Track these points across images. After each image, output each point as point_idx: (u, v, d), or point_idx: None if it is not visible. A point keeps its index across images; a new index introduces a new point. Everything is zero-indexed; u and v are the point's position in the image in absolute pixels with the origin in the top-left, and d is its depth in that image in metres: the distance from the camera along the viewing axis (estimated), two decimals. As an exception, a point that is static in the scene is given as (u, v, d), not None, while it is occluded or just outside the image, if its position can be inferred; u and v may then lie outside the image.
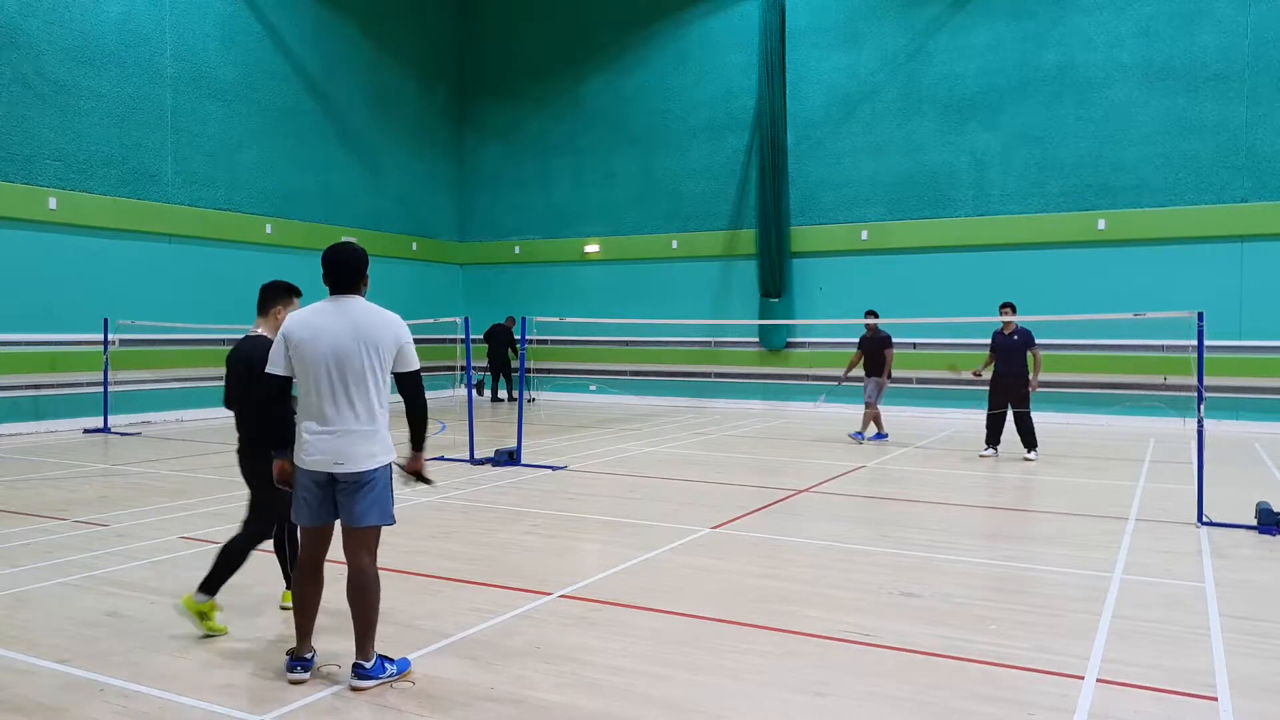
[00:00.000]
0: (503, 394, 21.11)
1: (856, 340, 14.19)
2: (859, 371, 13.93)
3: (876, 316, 13.71)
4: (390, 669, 4.24)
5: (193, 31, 16.70)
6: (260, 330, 5.04)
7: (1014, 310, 11.79)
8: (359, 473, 4.13)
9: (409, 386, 4.28)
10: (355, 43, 20.18)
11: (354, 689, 4.16)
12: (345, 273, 4.24)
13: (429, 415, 4.39)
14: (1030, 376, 11.76)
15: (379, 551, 4.33)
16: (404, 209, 21.55)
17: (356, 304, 4.23)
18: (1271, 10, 15.34)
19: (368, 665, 4.19)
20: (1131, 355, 16.24)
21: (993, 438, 11.98)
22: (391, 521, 4.27)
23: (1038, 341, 11.97)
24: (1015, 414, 11.80)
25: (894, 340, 13.83)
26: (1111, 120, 16.44)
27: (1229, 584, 6.01)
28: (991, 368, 12.15)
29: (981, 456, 11.92)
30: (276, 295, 5.11)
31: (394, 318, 4.28)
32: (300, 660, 4.29)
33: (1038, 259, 16.97)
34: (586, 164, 21.48)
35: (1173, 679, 4.31)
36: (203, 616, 4.84)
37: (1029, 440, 11.76)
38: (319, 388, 4.13)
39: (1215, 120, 15.71)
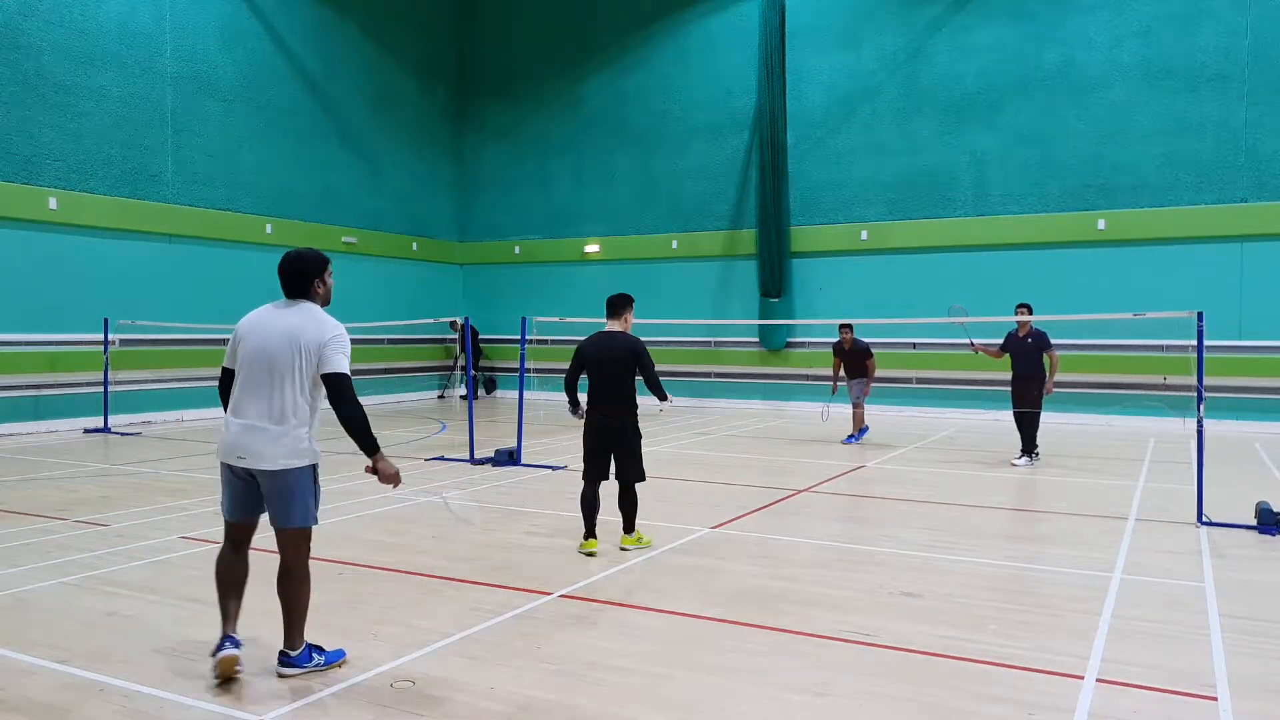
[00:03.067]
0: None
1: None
2: (842, 373, 13.87)
3: (851, 330, 13.60)
4: (318, 659, 4.34)
5: (193, 31, 16.70)
6: (614, 327, 6.86)
7: (1030, 311, 11.31)
8: (265, 471, 4.12)
9: (330, 390, 4.15)
10: (355, 43, 20.18)
11: (279, 675, 4.26)
12: (289, 280, 4.30)
13: (366, 420, 4.15)
14: (1046, 378, 11.43)
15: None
16: (404, 209, 21.55)
17: (300, 307, 4.26)
18: (1271, 10, 15.34)
19: (292, 654, 4.29)
20: (1131, 355, 16.24)
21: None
22: (309, 524, 4.24)
23: (1054, 342, 11.62)
24: (1024, 413, 11.50)
25: (873, 349, 13.77)
26: (1111, 120, 16.44)
27: (1229, 584, 6.01)
28: (996, 357, 11.95)
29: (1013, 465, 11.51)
30: (628, 304, 7.00)
31: (330, 322, 4.22)
32: (229, 637, 4.23)
33: (1038, 259, 16.97)
34: (586, 164, 21.48)
35: (1173, 679, 4.31)
36: (639, 540, 6.86)
37: (1028, 443, 11.53)
38: (244, 382, 4.20)
39: (1215, 120, 15.71)
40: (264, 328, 4.20)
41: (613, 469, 6.86)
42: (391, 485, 4.26)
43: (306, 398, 4.16)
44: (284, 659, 4.29)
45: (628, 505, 6.81)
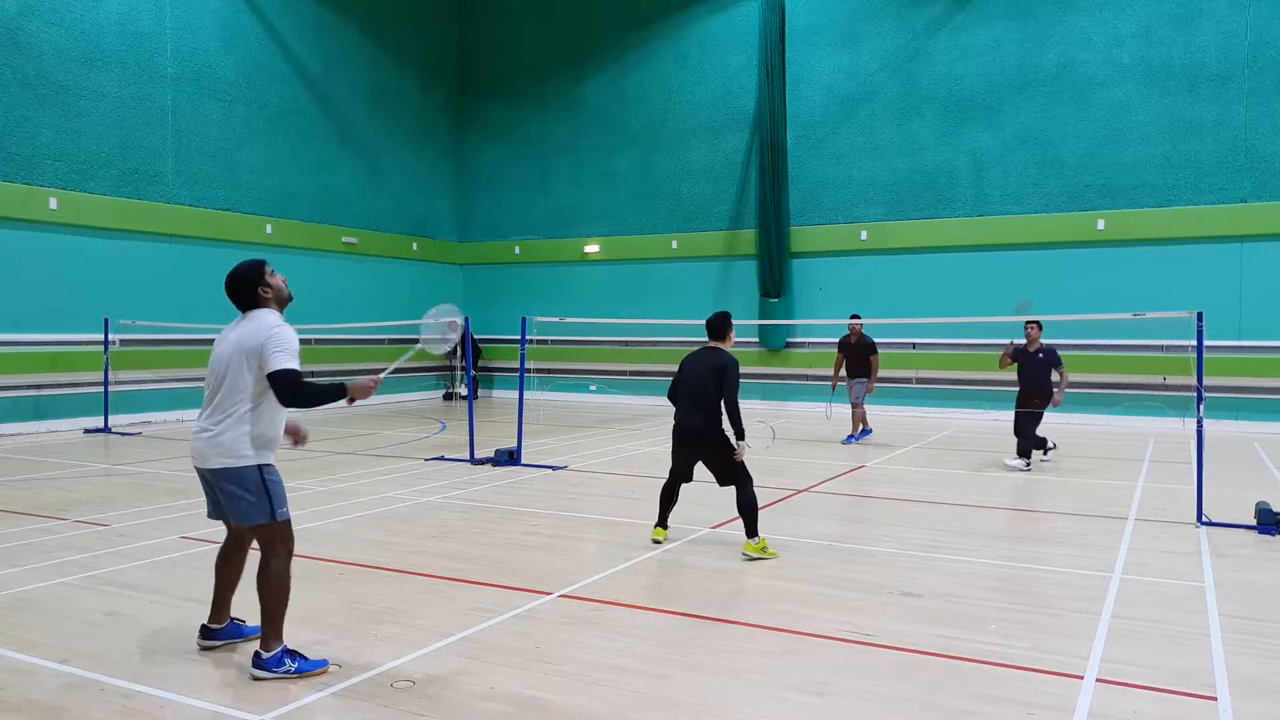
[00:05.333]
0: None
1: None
2: (843, 371, 13.87)
3: (860, 319, 13.60)
4: (290, 665, 4.29)
5: (193, 31, 16.71)
6: (716, 344, 6.93)
7: (1040, 328, 11.37)
8: (210, 470, 4.29)
9: (275, 389, 4.20)
10: (355, 43, 20.18)
11: (253, 677, 4.27)
12: (233, 297, 4.47)
13: (317, 389, 4.29)
14: (1055, 391, 11.30)
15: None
16: (404, 209, 21.55)
17: (250, 316, 4.39)
18: (1271, 10, 15.34)
19: (265, 655, 4.30)
20: (1131, 355, 16.24)
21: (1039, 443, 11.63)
22: (269, 520, 4.32)
23: (1055, 343, 11.70)
24: (1024, 414, 11.41)
25: (878, 346, 13.75)
26: (1111, 120, 16.44)
27: (1229, 584, 6.01)
28: (1004, 363, 11.88)
29: (1042, 459, 11.65)
30: (726, 322, 6.98)
31: (270, 323, 4.29)
32: (206, 630, 4.66)
33: (1038, 259, 16.97)
34: (586, 164, 21.48)
35: (1173, 679, 4.32)
36: (764, 550, 6.56)
37: (1028, 442, 11.35)
38: (206, 389, 4.43)
39: (1215, 120, 15.71)
40: (220, 341, 4.41)
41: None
42: (373, 388, 4.47)
43: (243, 400, 4.25)
44: (255, 659, 4.31)
45: (742, 509, 6.66)
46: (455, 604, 5.48)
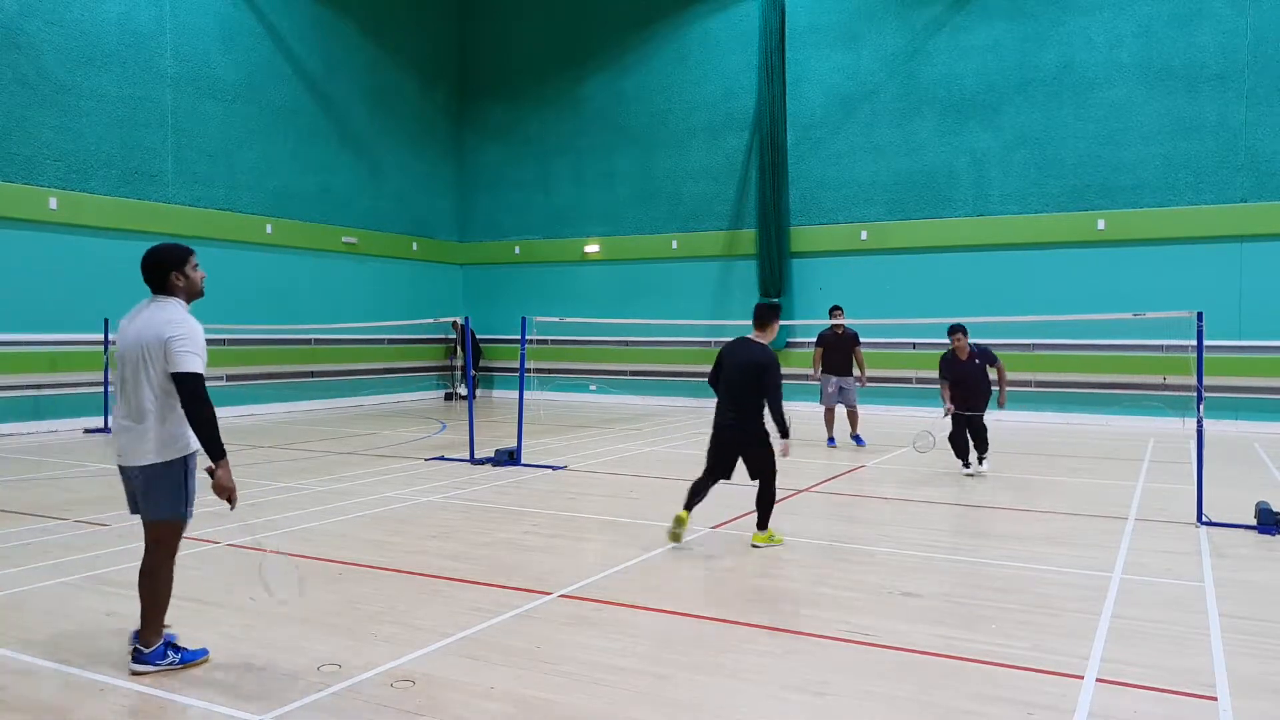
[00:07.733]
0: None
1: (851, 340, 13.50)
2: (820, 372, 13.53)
3: (843, 314, 13.33)
4: (173, 657, 4.33)
5: (193, 31, 16.71)
6: (755, 336, 6.88)
7: (966, 334, 10.60)
8: (132, 467, 4.25)
9: (179, 391, 4.16)
10: (355, 43, 20.18)
11: (132, 672, 4.29)
12: (146, 275, 4.32)
13: (214, 422, 4.20)
14: (999, 391, 10.85)
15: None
16: (404, 209, 21.55)
17: (156, 305, 4.28)
18: (1271, 10, 15.34)
19: (145, 650, 4.31)
20: (1131, 355, 16.24)
21: (964, 453, 10.86)
22: (177, 516, 4.30)
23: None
24: (971, 420, 10.71)
25: (862, 340, 13.46)
26: (1111, 120, 16.44)
27: (1229, 584, 6.01)
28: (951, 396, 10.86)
29: (966, 475, 10.71)
30: (773, 313, 6.97)
31: (174, 318, 4.19)
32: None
33: (1038, 259, 16.97)
34: (586, 164, 21.48)
35: (1173, 679, 4.31)
36: (770, 539, 6.88)
37: (982, 446, 10.82)
38: (118, 382, 4.32)
39: (1215, 120, 15.71)
40: (125, 330, 4.29)
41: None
42: (225, 499, 4.24)
43: (159, 394, 4.18)
44: (135, 655, 4.31)
45: (760, 501, 6.87)
46: (455, 604, 5.48)
